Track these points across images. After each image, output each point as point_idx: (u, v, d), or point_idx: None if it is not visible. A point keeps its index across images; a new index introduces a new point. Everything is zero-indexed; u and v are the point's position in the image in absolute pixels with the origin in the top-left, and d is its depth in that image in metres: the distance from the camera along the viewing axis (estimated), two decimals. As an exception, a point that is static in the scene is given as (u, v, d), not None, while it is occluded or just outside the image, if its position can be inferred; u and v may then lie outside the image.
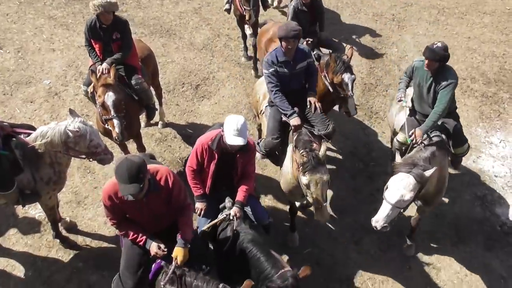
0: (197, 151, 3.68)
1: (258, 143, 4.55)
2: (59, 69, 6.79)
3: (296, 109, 4.32)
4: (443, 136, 4.32)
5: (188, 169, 3.78)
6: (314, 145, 3.96)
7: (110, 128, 4.32)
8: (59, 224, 4.65)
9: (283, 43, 4.22)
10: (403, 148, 4.46)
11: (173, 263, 3.10)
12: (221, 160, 3.68)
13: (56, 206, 4.55)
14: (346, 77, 4.59)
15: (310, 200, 3.83)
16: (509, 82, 6.94)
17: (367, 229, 4.81)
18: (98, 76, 4.35)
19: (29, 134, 3.90)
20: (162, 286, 3.05)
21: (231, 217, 3.60)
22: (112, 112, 4.20)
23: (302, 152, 3.78)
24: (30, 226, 4.80)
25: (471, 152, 5.42)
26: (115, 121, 4.22)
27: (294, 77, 4.43)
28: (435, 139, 4.21)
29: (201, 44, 7.36)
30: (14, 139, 3.87)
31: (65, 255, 4.58)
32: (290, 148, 4.29)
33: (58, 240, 4.59)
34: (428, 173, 3.68)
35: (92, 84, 4.45)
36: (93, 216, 4.95)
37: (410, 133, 4.21)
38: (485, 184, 5.50)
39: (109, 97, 4.19)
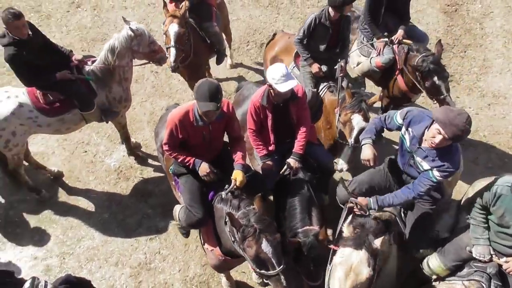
0: (251, 111, 3.75)
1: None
2: (131, 27, 7.05)
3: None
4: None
5: (249, 132, 3.87)
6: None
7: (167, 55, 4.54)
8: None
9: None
10: None
11: (232, 183, 3.28)
12: (277, 113, 3.73)
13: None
14: (355, 120, 3.81)
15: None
16: None
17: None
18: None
19: (93, 62, 4.42)
20: (215, 203, 3.29)
21: (287, 171, 3.71)
22: (172, 42, 4.46)
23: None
24: (106, 174, 5.24)
25: None
26: (172, 50, 4.48)
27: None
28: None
29: (266, 1, 7.19)
30: (85, 67, 4.40)
31: (136, 202, 4.98)
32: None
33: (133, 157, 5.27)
34: None
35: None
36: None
37: None
38: None
39: (173, 28, 4.46)
